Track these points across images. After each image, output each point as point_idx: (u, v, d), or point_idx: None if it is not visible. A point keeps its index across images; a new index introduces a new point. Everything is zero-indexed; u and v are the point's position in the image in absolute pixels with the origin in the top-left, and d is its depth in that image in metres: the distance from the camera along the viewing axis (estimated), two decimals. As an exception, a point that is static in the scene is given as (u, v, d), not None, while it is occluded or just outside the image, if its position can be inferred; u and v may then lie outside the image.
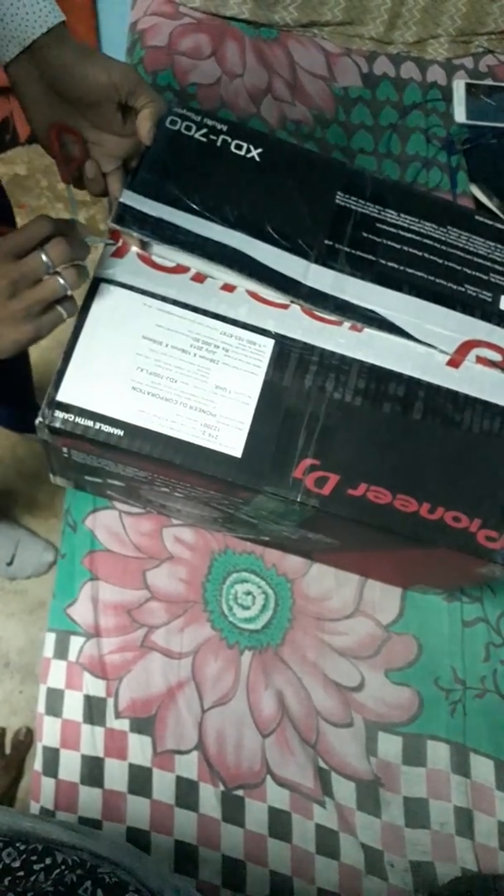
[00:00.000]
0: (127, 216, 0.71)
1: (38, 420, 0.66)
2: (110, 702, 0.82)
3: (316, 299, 0.72)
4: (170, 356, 0.68)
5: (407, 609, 0.89)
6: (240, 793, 0.80)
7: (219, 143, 0.78)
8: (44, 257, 0.58)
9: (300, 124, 1.17)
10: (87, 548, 0.87)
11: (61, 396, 0.65)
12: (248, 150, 0.78)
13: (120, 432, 0.65)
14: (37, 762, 0.81)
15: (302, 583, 0.88)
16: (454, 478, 0.69)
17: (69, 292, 0.61)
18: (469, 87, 1.21)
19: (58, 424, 0.65)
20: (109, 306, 0.69)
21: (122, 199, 0.72)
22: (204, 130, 0.78)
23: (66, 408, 0.65)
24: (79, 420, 0.65)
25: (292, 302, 0.72)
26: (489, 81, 1.23)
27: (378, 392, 0.70)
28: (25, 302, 0.58)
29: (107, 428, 0.65)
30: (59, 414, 0.65)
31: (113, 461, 0.71)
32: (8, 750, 1.36)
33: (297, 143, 0.86)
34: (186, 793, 0.80)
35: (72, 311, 0.63)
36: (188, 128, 0.77)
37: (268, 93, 1.17)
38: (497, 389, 0.73)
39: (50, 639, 0.85)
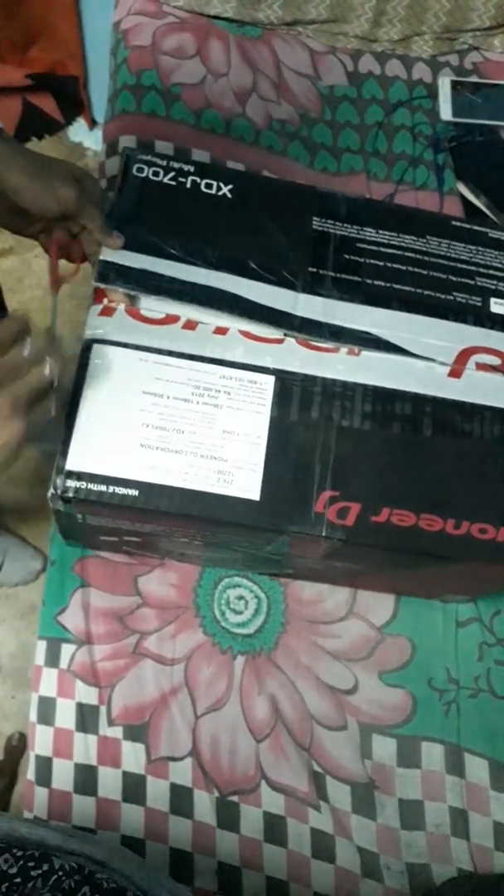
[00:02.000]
0: (110, 273, 0.71)
1: (51, 492, 0.65)
2: (103, 709, 0.81)
3: (309, 329, 0.72)
4: (173, 407, 0.68)
5: (400, 610, 0.89)
6: (234, 798, 0.80)
7: (188, 185, 0.78)
8: (25, 351, 0.57)
9: (286, 123, 1.16)
10: (78, 554, 0.87)
11: (70, 465, 0.65)
12: (219, 188, 0.79)
13: (134, 492, 0.65)
14: (29, 771, 0.80)
15: (295, 586, 0.88)
16: (474, 489, 0.69)
17: (54, 384, 0.59)
18: (454, 84, 1.20)
19: (70, 494, 0.64)
20: (105, 366, 0.68)
21: (102, 257, 0.72)
22: (172, 174, 0.78)
23: (76, 476, 0.65)
24: (91, 486, 0.65)
25: (286, 335, 0.71)
26: (474, 78, 1.23)
27: (385, 413, 0.70)
28: (11, 395, 0.55)
29: (121, 490, 0.65)
30: (70, 483, 0.64)
31: (130, 521, 0.70)
32: (1, 756, 1.35)
33: (265, 175, 0.86)
34: (181, 800, 0.79)
35: (55, 408, 0.60)
36: (155, 173, 0.78)
37: (253, 92, 1.17)
38: (502, 394, 0.72)
39: (41, 647, 0.84)
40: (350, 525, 0.67)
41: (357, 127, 1.18)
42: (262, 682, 0.84)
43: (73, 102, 1.75)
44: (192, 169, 0.79)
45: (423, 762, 0.83)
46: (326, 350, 0.72)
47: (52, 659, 0.83)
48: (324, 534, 0.67)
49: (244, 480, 0.67)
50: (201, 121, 1.12)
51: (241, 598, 0.87)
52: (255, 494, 0.67)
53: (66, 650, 0.83)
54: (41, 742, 0.80)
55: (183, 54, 1.16)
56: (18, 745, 1.37)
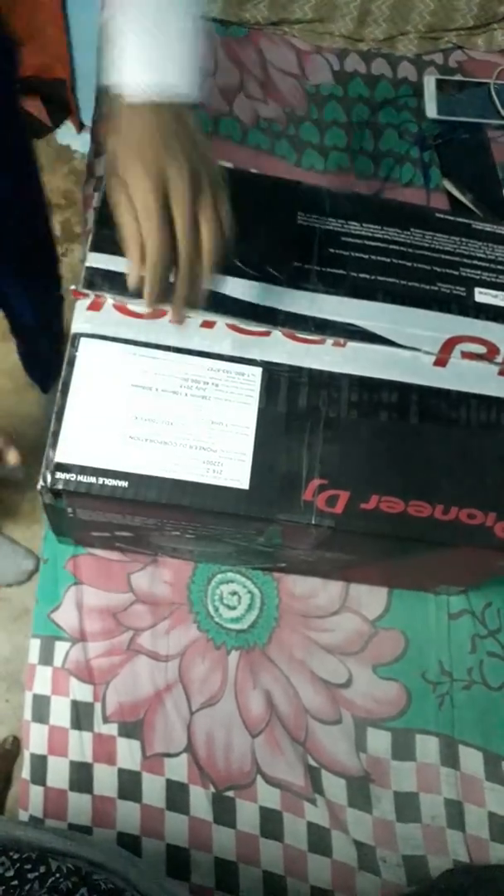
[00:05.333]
0: (96, 279, 0.71)
1: (40, 485, 0.66)
2: (97, 706, 0.81)
3: (295, 323, 0.72)
4: (162, 400, 0.68)
5: (393, 603, 0.89)
6: (230, 794, 0.80)
7: None
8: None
9: (273, 122, 1.16)
10: (70, 552, 0.87)
11: (60, 457, 0.65)
12: None
13: (124, 484, 0.65)
14: (24, 770, 0.80)
15: (288, 581, 0.88)
16: (462, 475, 0.69)
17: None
18: (439, 82, 1.21)
19: (60, 486, 0.65)
20: (93, 360, 0.68)
21: (87, 263, 0.72)
22: None
23: (66, 468, 0.65)
24: (81, 478, 0.65)
25: (273, 329, 0.72)
26: (459, 77, 1.24)
27: (372, 402, 0.71)
28: None
29: (110, 482, 0.65)
30: (60, 475, 0.65)
31: (120, 514, 0.70)
32: (-5, 759, 1.35)
33: (250, 171, 0.86)
34: (177, 796, 0.79)
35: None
36: None
37: (240, 91, 1.17)
38: (487, 381, 0.73)
39: (35, 645, 0.84)
40: (339, 513, 0.67)
41: (344, 125, 1.18)
42: (256, 677, 0.84)
43: (61, 105, 1.75)
44: None
45: (418, 755, 0.84)
46: (313, 342, 0.73)
47: (46, 657, 0.83)
48: (313, 521, 0.67)
49: (233, 470, 0.67)
50: (188, 120, 1.12)
51: (234, 593, 0.87)
52: (244, 484, 0.67)
53: (60, 648, 0.83)
54: (36, 740, 0.80)
55: (169, 54, 1.16)
56: (12, 749, 1.36)
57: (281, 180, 0.84)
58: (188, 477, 0.66)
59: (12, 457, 0.69)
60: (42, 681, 0.82)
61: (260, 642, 0.85)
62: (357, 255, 0.77)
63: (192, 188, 0.59)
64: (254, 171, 1.10)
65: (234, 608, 0.86)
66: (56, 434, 0.66)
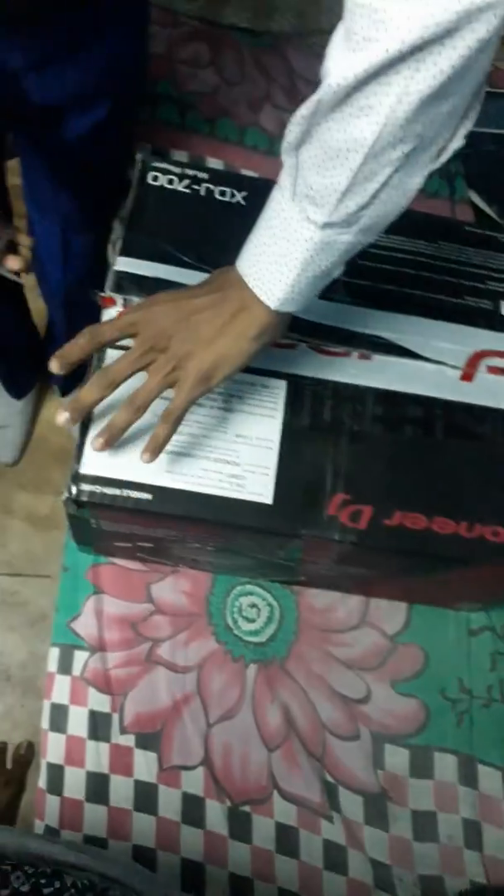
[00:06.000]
0: (124, 282, 0.71)
1: (65, 496, 0.66)
2: (115, 717, 0.81)
3: (321, 334, 0.72)
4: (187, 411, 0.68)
5: (413, 619, 0.88)
6: (246, 808, 0.79)
7: (203, 192, 0.78)
8: None
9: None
10: (91, 561, 0.87)
11: (84, 468, 0.65)
12: (233, 195, 0.79)
13: (148, 496, 0.65)
14: (41, 779, 0.80)
15: (307, 594, 0.87)
16: (486, 492, 0.69)
17: None
18: (467, 93, 1.20)
19: (85, 498, 0.65)
20: None
21: (116, 267, 0.73)
22: (186, 181, 0.79)
23: (90, 479, 0.65)
24: (105, 490, 0.65)
25: (298, 340, 0.71)
26: (487, 88, 1.23)
27: (396, 417, 0.70)
28: None
29: (134, 493, 0.65)
30: (84, 487, 0.65)
31: (143, 525, 0.70)
32: (9, 765, 1.35)
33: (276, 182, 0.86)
34: (193, 809, 0.79)
35: None
36: (170, 181, 0.78)
37: (267, 101, 1.17)
38: (514, 396, 0.72)
39: (53, 653, 0.84)
40: (362, 528, 0.67)
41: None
42: (274, 691, 0.83)
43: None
44: (206, 176, 0.79)
45: (436, 773, 0.83)
46: (338, 354, 0.72)
47: (65, 666, 0.83)
48: (336, 537, 0.67)
49: (256, 484, 0.67)
50: (216, 129, 1.12)
51: (253, 605, 0.87)
52: (267, 498, 0.67)
53: (79, 657, 0.83)
54: (53, 750, 0.80)
55: (198, 63, 1.17)
56: (27, 755, 1.36)
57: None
58: (211, 490, 0.66)
59: (13, 262, 0.69)
60: (60, 690, 0.82)
61: (278, 656, 0.85)
62: (384, 266, 0.76)
63: (160, 385, 0.60)
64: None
65: (252, 621, 0.86)
66: (81, 445, 0.66)
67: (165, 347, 0.59)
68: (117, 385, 0.60)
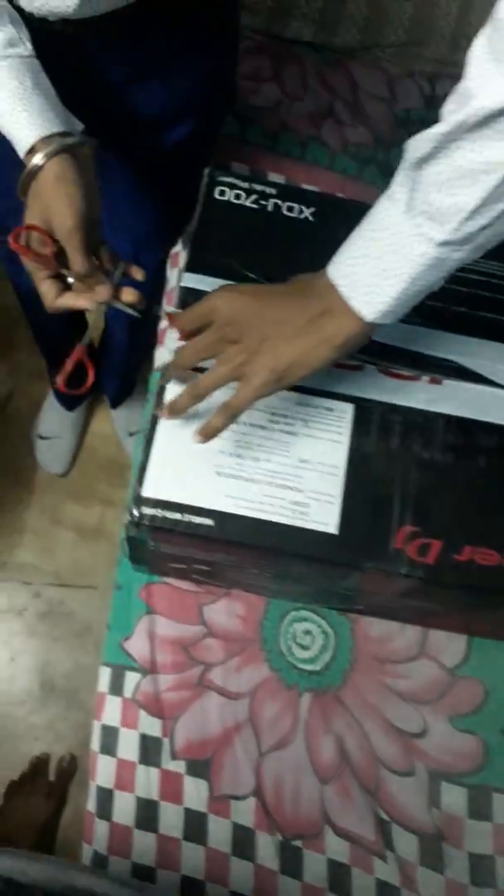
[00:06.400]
0: (190, 300, 0.70)
1: (127, 519, 0.65)
2: (166, 742, 0.79)
3: (389, 356, 0.70)
4: (249, 434, 0.66)
5: (473, 652, 0.85)
6: (298, 843, 0.77)
7: (270, 208, 0.77)
8: None
9: (361, 147, 1.14)
10: (144, 580, 0.85)
11: (147, 492, 0.65)
12: (301, 211, 0.78)
13: (210, 522, 0.64)
14: (90, 802, 0.79)
15: (363, 623, 0.85)
16: None
17: None
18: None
19: (147, 522, 0.64)
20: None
21: (183, 283, 0.72)
22: (254, 196, 0.78)
23: (152, 503, 0.64)
24: (167, 514, 0.64)
25: (365, 362, 0.69)
26: None
27: (468, 446, 0.68)
28: None
29: (196, 519, 0.64)
30: (147, 510, 0.64)
31: (203, 550, 0.69)
32: (52, 777, 1.35)
33: (347, 199, 0.85)
34: (243, 841, 0.77)
35: None
36: (237, 196, 0.77)
37: (329, 115, 1.16)
38: None
39: (105, 673, 0.83)
40: (431, 563, 0.64)
41: (434, 151, 1.15)
42: (328, 722, 0.81)
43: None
44: (274, 191, 0.78)
45: (495, 815, 0.79)
46: (407, 378, 0.70)
47: (117, 687, 0.82)
48: (403, 571, 0.64)
49: (321, 512, 0.65)
50: (277, 144, 1.11)
51: (308, 632, 0.84)
52: (332, 527, 0.65)
53: (131, 678, 0.82)
54: (103, 773, 0.79)
55: (260, 78, 1.15)
56: (69, 768, 1.36)
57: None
58: (274, 517, 0.64)
59: (129, 295, 0.67)
60: (111, 711, 0.81)
61: (333, 685, 0.83)
62: (454, 287, 0.74)
63: (227, 376, 0.60)
64: (340, 195, 1.08)
65: (307, 648, 0.84)
66: (143, 467, 0.65)
67: (239, 338, 0.58)
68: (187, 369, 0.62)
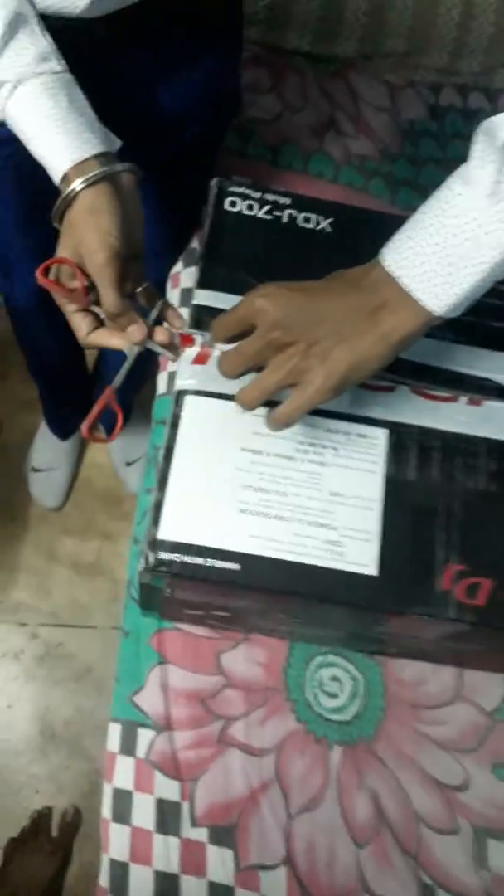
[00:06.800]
0: (204, 316, 0.65)
1: (142, 565, 0.58)
2: (185, 807, 0.72)
3: (423, 375, 0.64)
4: (275, 466, 0.60)
5: (512, 693, 0.79)
6: (335, 915, 0.70)
7: (285, 219, 0.72)
8: None
9: (365, 159, 1.10)
10: (155, 626, 0.79)
11: (163, 534, 0.58)
12: (318, 222, 0.73)
13: (235, 566, 0.57)
14: (103, 876, 0.71)
15: (394, 666, 0.78)
16: None
17: None
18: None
19: (164, 568, 0.57)
20: (199, 420, 0.62)
21: (195, 301, 0.66)
22: (267, 207, 0.72)
23: (170, 546, 0.58)
24: (187, 559, 0.57)
25: (397, 382, 0.64)
26: None
27: None
28: None
29: (220, 563, 0.57)
30: (164, 555, 0.57)
31: (226, 597, 0.63)
32: (55, 832, 1.26)
33: (366, 209, 0.81)
34: (275, 916, 0.70)
35: None
36: (249, 207, 0.72)
37: (331, 127, 1.11)
38: None
39: (115, 730, 0.76)
40: (481, 605, 0.58)
41: (441, 162, 1.11)
42: (361, 777, 0.74)
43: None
44: (288, 202, 0.73)
45: (549, 874, 0.73)
46: (444, 399, 0.64)
47: (128, 746, 0.75)
48: (451, 615, 0.58)
49: (358, 552, 0.59)
50: (279, 157, 1.06)
51: (335, 678, 0.78)
52: (371, 568, 0.59)
53: (144, 736, 0.75)
54: (116, 844, 0.71)
55: (259, 89, 1.11)
56: (73, 822, 1.28)
57: (402, 217, 0.76)
58: (307, 559, 0.58)
59: (162, 335, 0.61)
60: (123, 773, 0.74)
61: (365, 736, 0.76)
62: (489, 300, 0.68)
63: (279, 384, 0.55)
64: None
65: (335, 696, 0.77)
66: (159, 506, 0.59)
67: (291, 342, 0.53)
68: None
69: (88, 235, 0.56)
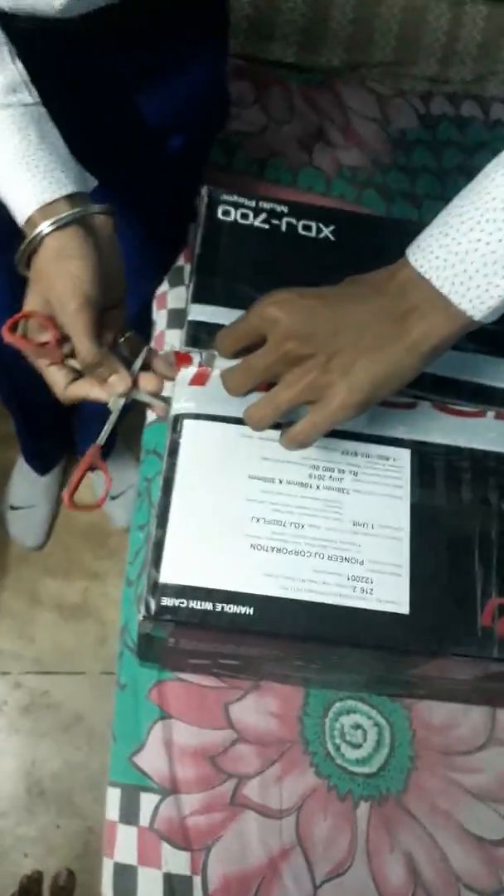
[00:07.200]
0: (201, 334, 0.58)
1: (142, 614, 0.51)
2: (197, 881, 0.64)
3: (446, 389, 0.58)
4: (288, 495, 0.54)
5: (550, 734, 0.72)
6: None
7: (284, 228, 0.66)
8: None
9: (357, 170, 1.05)
10: (154, 677, 0.71)
11: (165, 576, 0.51)
12: (319, 230, 0.67)
13: (248, 610, 0.51)
14: None
15: (421, 709, 0.71)
16: None
17: None
18: (539, 123, 1.10)
19: (168, 616, 0.50)
20: (201, 448, 0.55)
21: (190, 317, 0.60)
22: (263, 216, 0.67)
23: (174, 591, 0.51)
24: (193, 604, 0.51)
25: (418, 398, 0.58)
26: None
27: None
28: None
29: (231, 608, 0.51)
30: (167, 601, 0.50)
31: (237, 645, 0.56)
32: (46, 900, 1.16)
33: (371, 213, 0.76)
34: None
35: None
36: (244, 216, 0.66)
37: (319, 139, 1.07)
38: None
39: (114, 796, 0.68)
40: None
41: (435, 172, 1.07)
42: (393, 836, 0.67)
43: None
44: (285, 209, 0.67)
45: None
46: (470, 415, 0.59)
47: (130, 813, 0.67)
48: (496, 655, 0.51)
49: (387, 588, 0.53)
50: (266, 171, 1.01)
51: (357, 726, 0.71)
52: (402, 606, 0.52)
53: (147, 801, 0.67)
54: (121, 928, 0.63)
55: (242, 103, 1.06)
56: (67, 885, 1.18)
57: (409, 222, 0.72)
58: (330, 599, 0.52)
59: (150, 382, 0.55)
60: (126, 845, 0.66)
61: (394, 790, 0.69)
62: None
63: (293, 402, 0.49)
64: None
65: (358, 746, 0.70)
66: (159, 545, 0.52)
67: (307, 354, 0.47)
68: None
69: (58, 283, 0.50)
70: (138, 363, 0.56)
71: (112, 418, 0.56)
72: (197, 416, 0.56)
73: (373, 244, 0.65)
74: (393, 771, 0.69)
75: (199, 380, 0.57)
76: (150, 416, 0.85)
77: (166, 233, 0.88)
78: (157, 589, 0.51)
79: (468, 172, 1.06)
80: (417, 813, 0.68)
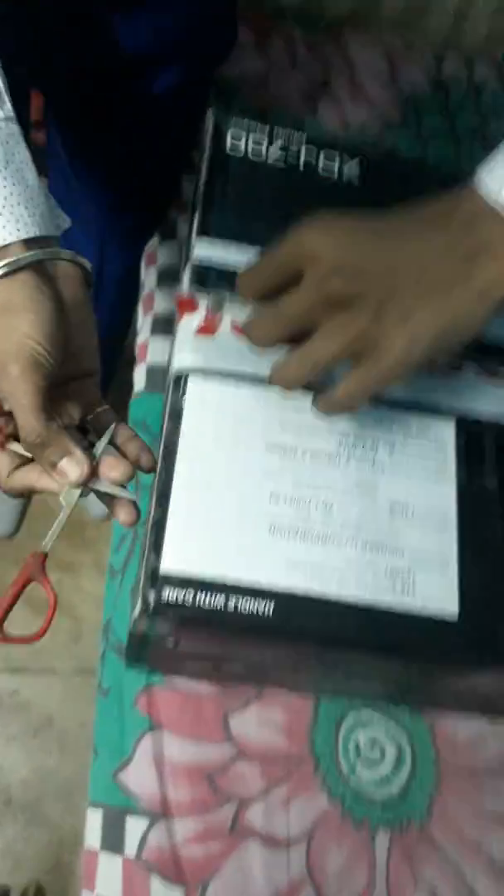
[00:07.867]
0: (210, 274, 0.49)
1: (138, 609, 0.43)
2: (193, 923, 0.55)
3: (492, 353, 0.50)
4: (312, 468, 0.45)
5: None
6: None
7: (302, 168, 0.58)
8: None
9: (365, 129, 0.96)
10: (142, 681, 0.62)
11: (167, 564, 0.42)
12: (342, 169, 0.59)
13: (268, 607, 0.42)
14: None
15: (445, 724, 0.63)
16: None
17: None
18: None
19: (170, 612, 0.42)
20: (208, 410, 0.47)
21: (196, 252, 0.51)
22: (279, 145, 0.59)
23: (178, 582, 0.42)
24: (201, 598, 0.41)
25: (461, 361, 0.49)
26: None
27: None
28: None
29: (248, 602, 0.42)
30: (168, 593, 0.41)
31: (253, 646, 0.47)
32: (13, 920, 1.07)
33: (402, 155, 0.67)
34: None
35: None
36: (256, 151, 0.58)
37: (324, 93, 0.98)
38: None
39: (94, 819, 0.59)
40: None
41: (449, 136, 0.99)
42: (416, 869, 0.58)
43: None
44: (303, 137, 0.59)
45: None
46: None
47: (114, 840, 0.58)
48: None
49: (431, 585, 0.44)
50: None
51: (374, 742, 0.62)
52: (450, 606, 0.44)
53: (134, 827, 0.58)
54: None
55: (241, 49, 0.97)
56: (35, 903, 1.09)
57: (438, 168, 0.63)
58: (365, 596, 0.43)
59: (114, 470, 0.42)
60: (108, 878, 0.57)
61: (417, 816, 0.60)
62: None
63: (338, 354, 0.40)
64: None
65: (376, 765, 0.61)
66: (160, 526, 0.43)
67: (355, 295, 0.39)
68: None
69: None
70: (102, 443, 0.43)
71: (61, 518, 0.44)
72: (204, 373, 0.47)
73: (404, 192, 0.56)
74: (415, 794, 0.61)
75: (207, 329, 0.48)
76: (137, 386, 0.75)
77: (160, 178, 0.78)
78: (157, 579, 0.42)
79: (483, 138, 0.99)
80: (443, 843, 0.60)
